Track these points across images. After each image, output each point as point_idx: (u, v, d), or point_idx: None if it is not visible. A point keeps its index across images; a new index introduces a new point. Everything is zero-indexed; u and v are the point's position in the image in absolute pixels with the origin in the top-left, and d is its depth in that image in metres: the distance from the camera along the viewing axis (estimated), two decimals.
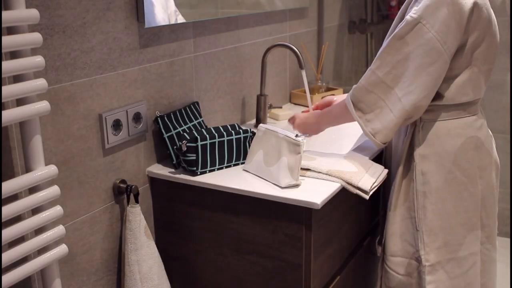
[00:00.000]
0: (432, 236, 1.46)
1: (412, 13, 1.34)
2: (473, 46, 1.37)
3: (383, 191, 1.68)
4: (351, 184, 1.38)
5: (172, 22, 1.52)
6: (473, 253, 1.48)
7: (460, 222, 1.46)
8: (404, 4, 1.44)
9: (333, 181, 1.39)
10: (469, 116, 1.45)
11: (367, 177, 1.41)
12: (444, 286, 1.48)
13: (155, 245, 1.45)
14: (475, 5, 1.32)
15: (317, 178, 1.42)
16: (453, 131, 1.44)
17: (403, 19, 1.39)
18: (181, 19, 1.55)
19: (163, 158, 1.58)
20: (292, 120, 1.66)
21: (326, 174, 1.41)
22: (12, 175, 1.15)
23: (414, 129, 1.47)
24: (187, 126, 1.56)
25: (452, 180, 1.44)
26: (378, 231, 1.79)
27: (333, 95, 2.25)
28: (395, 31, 1.37)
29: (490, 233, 1.52)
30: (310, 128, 1.60)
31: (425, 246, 1.46)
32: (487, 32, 1.37)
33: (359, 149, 1.64)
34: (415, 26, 1.33)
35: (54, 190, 1.13)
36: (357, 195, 1.39)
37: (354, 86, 1.44)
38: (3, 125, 1.01)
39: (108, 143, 1.37)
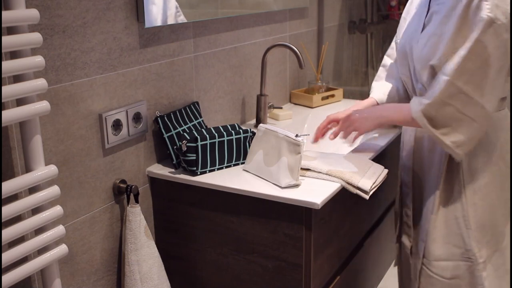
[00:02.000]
0: (483, 231, 1.43)
1: (487, 12, 1.26)
2: None
3: (400, 191, 1.65)
4: (351, 184, 1.38)
5: (172, 22, 1.52)
6: (509, 241, 1.48)
7: (502, 213, 1.45)
8: (456, 3, 1.33)
9: (333, 181, 1.39)
10: (504, 109, 1.44)
11: (367, 177, 1.41)
12: (492, 279, 1.46)
13: (155, 245, 1.45)
14: None
15: (317, 178, 1.42)
16: (496, 123, 1.41)
17: (447, 17, 1.33)
18: (182, 20, 1.54)
19: (163, 158, 1.58)
20: (347, 118, 1.56)
21: (326, 174, 1.41)
22: (12, 175, 1.15)
23: None
24: (187, 126, 1.56)
25: (497, 172, 1.43)
26: (401, 230, 1.69)
27: (333, 95, 2.25)
28: (473, 33, 1.27)
29: None
30: (370, 121, 1.51)
31: (477, 243, 1.43)
32: None
33: (359, 149, 1.64)
34: (490, 26, 1.26)
35: (54, 190, 1.13)
36: (357, 195, 1.39)
37: (426, 101, 1.34)
38: (3, 125, 1.01)
39: (108, 143, 1.37)
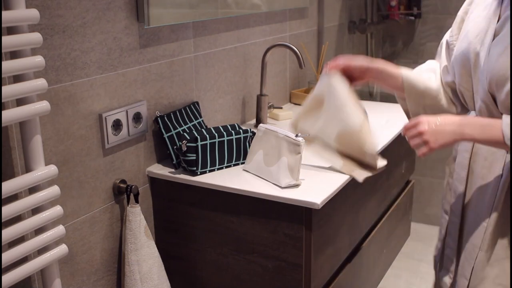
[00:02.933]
0: None
1: None
2: None
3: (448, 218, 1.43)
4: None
5: None
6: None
7: None
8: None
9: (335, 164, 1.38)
10: None
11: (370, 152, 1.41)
12: None
13: (155, 245, 1.45)
14: None
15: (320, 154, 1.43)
16: None
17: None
18: None
19: (163, 158, 1.58)
20: (414, 126, 1.24)
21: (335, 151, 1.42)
22: (12, 175, 1.15)
23: None
24: (187, 126, 1.56)
25: None
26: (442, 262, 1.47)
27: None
28: None
29: None
30: (445, 136, 1.21)
31: None
32: None
33: None
34: None
35: (54, 190, 1.13)
36: (357, 193, 1.39)
37: None
38: (3, 125, 1.01)
39: (108, 143, 1.37)
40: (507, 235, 1.24)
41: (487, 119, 1.21)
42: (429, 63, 1.46)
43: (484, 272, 1.28)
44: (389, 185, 1.88)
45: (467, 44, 1.27)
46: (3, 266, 1.03)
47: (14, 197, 1.08)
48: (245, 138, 1.53)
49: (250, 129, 1.55)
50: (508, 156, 1.23)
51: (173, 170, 1.50)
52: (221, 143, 1.48)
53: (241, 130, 1.52)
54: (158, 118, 1.50)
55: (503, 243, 1.25)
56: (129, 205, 1.40)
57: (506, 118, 1.16)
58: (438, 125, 1.21)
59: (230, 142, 1.50)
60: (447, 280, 1.40)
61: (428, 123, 1.22)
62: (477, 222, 1.28)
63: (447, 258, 1.41)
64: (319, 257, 1.40)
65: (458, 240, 1.36)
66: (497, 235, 1.25)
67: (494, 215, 1.24)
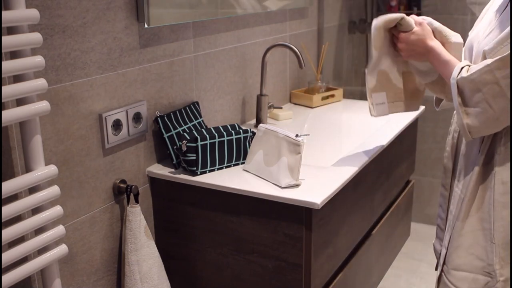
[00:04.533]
0: (507, 249, 1.33)
1: None
2: None
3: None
4: None
5: None
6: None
7: None
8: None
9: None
10: None
11: None
12: None
13: (155, 245, 1.45)
14: None
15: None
16: None
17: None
18: None
19: (163, 158, 1.58)
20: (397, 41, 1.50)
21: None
22: (12, 175, 1.15)
23: (495, 134, 1.30)
24: (187, 126, 1.56)
25: None
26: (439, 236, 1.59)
27: (333, 95, 2.25)
28: None
29: None
30: (416, 54, 1.46)
31: (500, 260, 1.33)
32: None
33: (359, 149, 1.64)
34: None
35: (54, 190, 1.13)
36: (355, 194, 1.38)
37: (463, 75, 1.27)
38: (3, 125, 1.01)
39: (108, 143, 1.37)
40: (481, 211, 1.33)
41: (447, 57, 1.40)
42: None
43: (459, 241, 1.37)
44: (389, 185, 1.88)
45: (474, 34, 1.40)
46: (3, 266, 1.03)
47: (14, 197, 1.08)
48: (245, 138, 1.53)
49: (250, 129, 1.55)
50: (486, 137, 1.31)
51: (173, 170, 1.50)
52: (221, 143, 1.48)
53: (241, 130, 1.52)
54: (158, 118, 1.50)
55: (478, 215, 1.34)
56: (129, 205, 1.40)
57: (462, 64, 1.31)
58: (412, 45, 1.45)
59: (230, 142, 1.50)
60: (438, 247, 1.54)
61: (406, 42, 1.46)
62: (458, 195, 1.39)
63: (438, 227, 1.55)
64: (319, 257, 1.40)
65: (448, 211, 1.48)
66: (471, 206, 1.35)
67: (470, 187, 1.34)
